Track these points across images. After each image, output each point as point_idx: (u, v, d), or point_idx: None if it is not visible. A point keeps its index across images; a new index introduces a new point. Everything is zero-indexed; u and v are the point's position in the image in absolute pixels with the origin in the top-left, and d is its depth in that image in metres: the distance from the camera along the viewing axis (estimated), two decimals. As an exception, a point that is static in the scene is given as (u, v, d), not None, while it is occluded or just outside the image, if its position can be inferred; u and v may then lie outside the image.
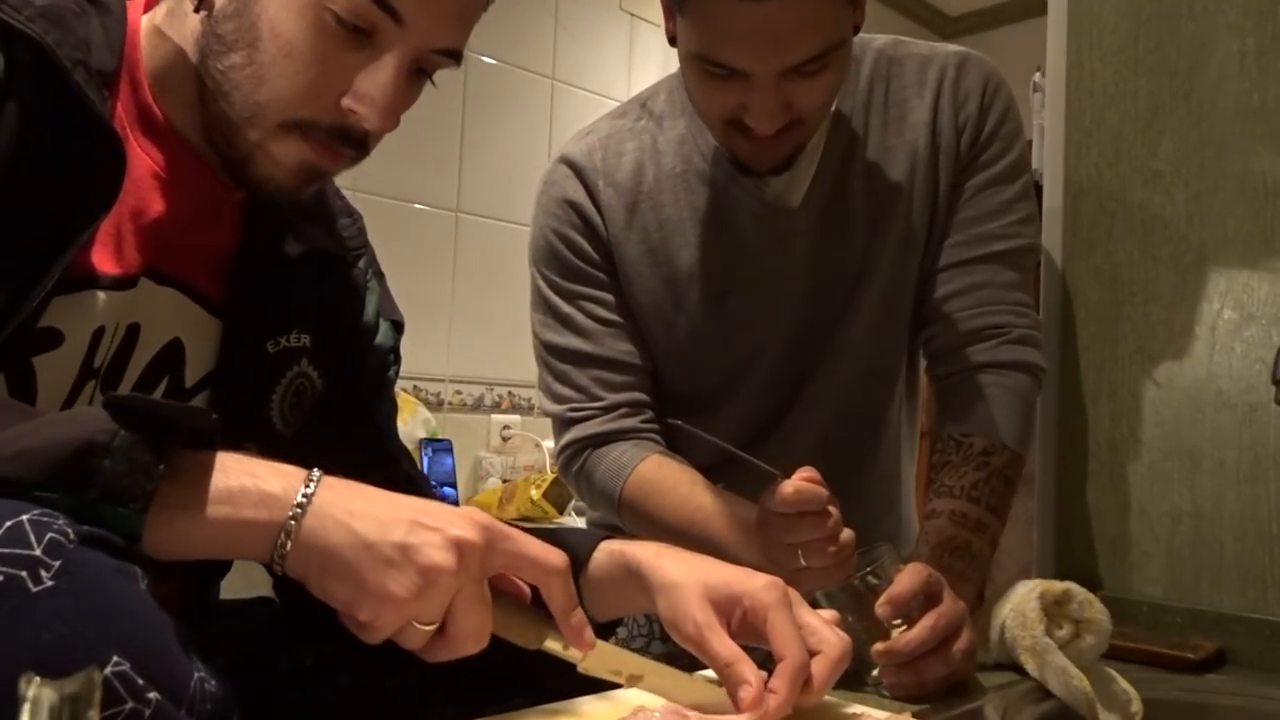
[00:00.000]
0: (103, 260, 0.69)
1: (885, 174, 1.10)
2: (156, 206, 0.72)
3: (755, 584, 0.69)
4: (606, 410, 1.11)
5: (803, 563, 0.84)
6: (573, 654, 0.64)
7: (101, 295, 0.69)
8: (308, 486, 0.57)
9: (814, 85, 0.93)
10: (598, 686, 0.72)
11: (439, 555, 0.56)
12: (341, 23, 0.68)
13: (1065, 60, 1.31)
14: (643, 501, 1.06)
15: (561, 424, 1.14)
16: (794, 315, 1.11)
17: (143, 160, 0.72)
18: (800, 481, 0.84)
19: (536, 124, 2.69)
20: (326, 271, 0.86)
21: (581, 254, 1.12)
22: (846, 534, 0.86)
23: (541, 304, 1.16)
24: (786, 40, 0.88)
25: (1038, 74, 2.26)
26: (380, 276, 0.94)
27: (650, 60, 2.91)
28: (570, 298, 1.13)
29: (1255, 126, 1.14)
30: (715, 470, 1.10)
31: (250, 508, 0.56)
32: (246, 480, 0.57)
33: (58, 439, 0.52)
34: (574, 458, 1.13)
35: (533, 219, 1.17)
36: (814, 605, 0.86)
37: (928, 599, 0.83)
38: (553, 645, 0.64)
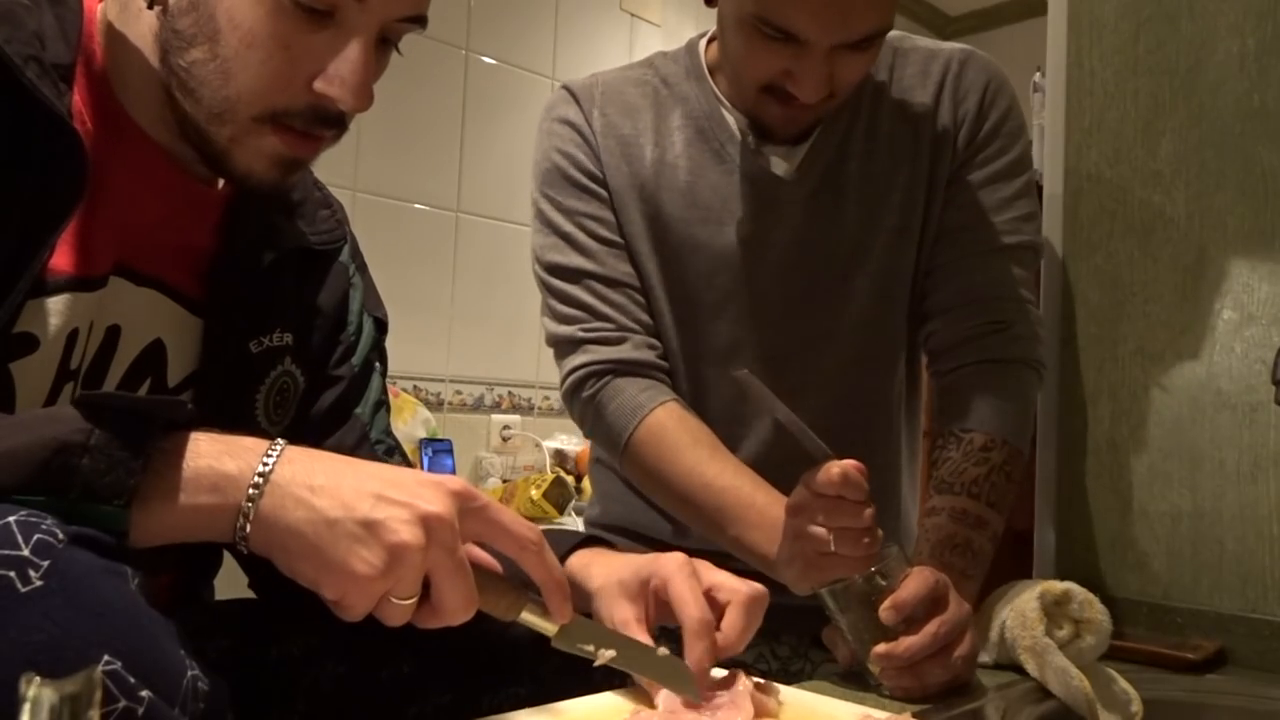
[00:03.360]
0: (72, 261, 0.68)
1: (882, 160, 1.10)
2: (124, 203, 0.71)
3: (659, 562, 0.72)
4: (624, 333, 1.09)
5: (832, 548, 0.83)
6: (547, 626, 0.64)
7: (72, 297, 0.68)
8: (265, 463, 0.56)
9: (857, 62, 0.97)
10: (590, 672, 0.73)
11: (406, 532, 0.55)
12: (299, 5, 0.66)
13: (1065, 60, 1.31)
14: (654, 451, 1.04)
15: (571, 345, 1.10)
16: (775, 289, 1.11)
17: (106, 156, 0.69)
18: (850, 466, 0.83)
19: (536, 124, 2.69)
20: (308, 268, 0.85)
21: (582, 168, 1.13)
22: (879, 533, 0.85)
23: (544, 225, 1.14)
24: (853, 14, 0.91)
25: (1038, 74, 2.26)
26: (364, 269, 0.92)
27: (650, 60, 2.91)
28: (571, 214, 1.12)
29: (1255, 126, 1.14)
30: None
31: (205, 492, 0.55)
32: (201, 463, 0.55)
33: (34, 441, 0.52)
34: (586, 381, 1.08)
35: (536, 146, 1.18)
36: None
37: (933, 603, 0.83)
38: (529, 617, 0.63)
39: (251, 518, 0.55)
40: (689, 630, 0.68)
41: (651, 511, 1.17)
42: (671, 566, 0.71)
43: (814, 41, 0.92)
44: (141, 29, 0.70)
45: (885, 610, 0.82)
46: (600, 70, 1.24)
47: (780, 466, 0.99)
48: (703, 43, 1.17)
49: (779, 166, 1.10)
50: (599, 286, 1.10)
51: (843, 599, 0.85)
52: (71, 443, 0.52)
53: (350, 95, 0.68)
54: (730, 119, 1.11)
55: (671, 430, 1.04)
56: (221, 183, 0.78)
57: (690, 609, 0.68)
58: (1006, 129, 1.11)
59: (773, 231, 1.10)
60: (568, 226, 1.12)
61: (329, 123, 0.70)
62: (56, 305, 0.67)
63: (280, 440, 0.58)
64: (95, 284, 0.70)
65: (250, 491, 0.55)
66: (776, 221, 1.10)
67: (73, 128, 0.64)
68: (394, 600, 0.56)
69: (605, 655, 0.65)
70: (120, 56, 0.71)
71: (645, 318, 1.11)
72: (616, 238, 1.12)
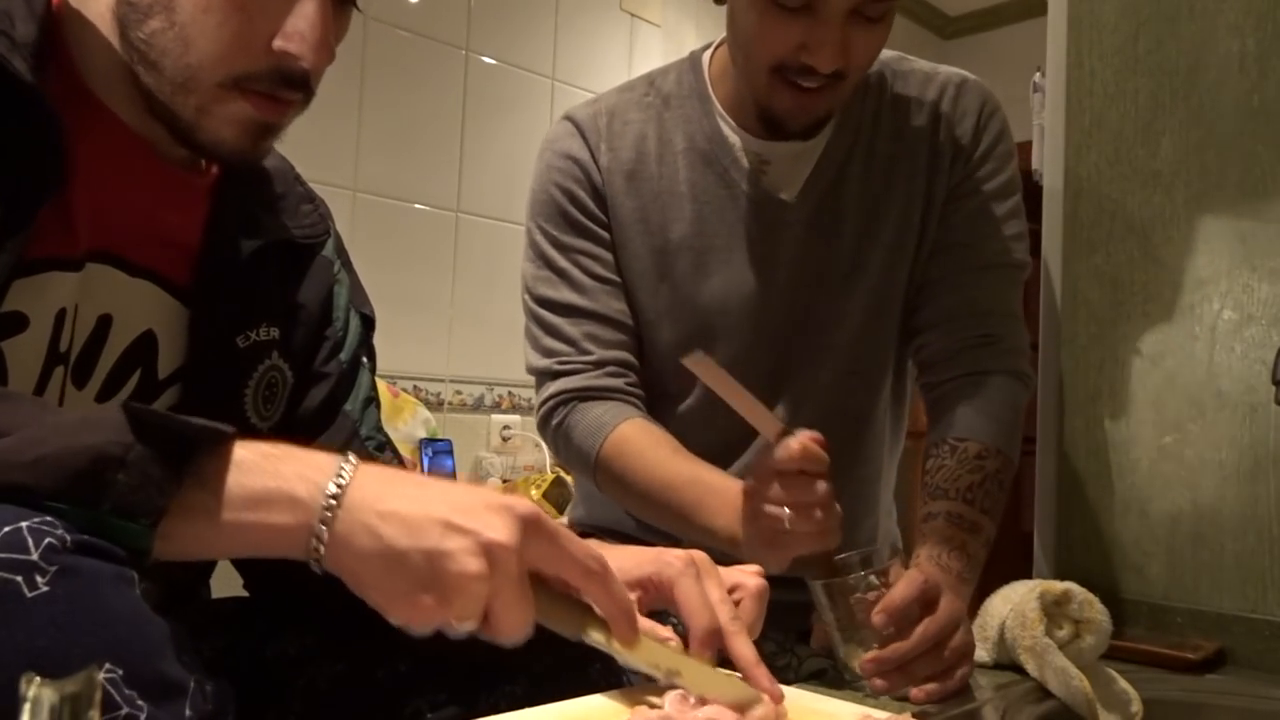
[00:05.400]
0: (54, 241, 0.67)
1: (880, 180, 1.12)
2: (96, 185, 0.70)
3: (663, 559, 0.71)
4: (595, 365, 1.11)
5: (787, 525, 0.84)
6: (615, 646, 0.64)
7: (52, 277, 0.68)
8: (338, 483, 0.56)
9: (870, 35, 0.98)
10: (587, 671, 0.72)
11: (470, 563, 0.55)
12: None
13: (1065, 60, 1.31)
14: (619, 462, 1.05)
15: (547, 377, 1.13)
16: (780, 308, 1.12)
17: (76, 137, 0.68)
18: (808, 440, 0.83)
19: (536, 124, 2.69)
20: (292, 263, 0.85)
21: (582, 208, 1.13)
22: (836, 507, 0.86)
23: (538, 258, 1.15)
24: None
25: (1038, 74, 2.26)
26: (349, 266, 0.92)
27: (650, 60, 2.91)
28: (567, 251, 1.13)
29: (1255, 126, 1.14)
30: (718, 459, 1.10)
31: (279, 512, 0.55)
32: (272, 482, 0.55)
33: (73, 447, 0.51)
34: (555, 411, 1.12)
35: (534, 175, 1.18)
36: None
37: (924, 606, 0.84)
38: (595, 637, 0.63)
39: (325, 539, 0.55)
40: (696, 639, 0.67)
41: None
42: (678, 566, 0.70)
43: (829, 7, 0.93)
44: (100, 8, 0.70)
45: (877, 615, 0.82)
46: (598, 76, 1.24)
47: None
48: (706, 55, 1.17)
49: (783, 188, 1.11)
50: (588, 324, 1.12)
51: (835, 595, 0.85)
52: (109, 455, 0.51)
53: (310, 50, 0.68)
54: (733, 139, 1.12)
55: (633, 441, 1.06)
56: (204, 164, 0.77)
57: (698, 617, 0.68)
58: (999, 151, 1.14)
59: (779, 253, 1.11)
60: (563, 262, 1.13)
61: (294, 84, 0.70)
62: (46, 284, 0.67)
63: (352, 456, 0.58)
64: (73, 264, 0.69)
65: (324, 514, 0.55)
66: (781, 243, 1.11)
67: (48, 102, 0.64)
68: (455, 624, 0.57)
69: (671, 677, 0.65)
70: (83, 38, 0.71)
71: (627, 355, 1.12)
72: (613, 275, 1.13)
